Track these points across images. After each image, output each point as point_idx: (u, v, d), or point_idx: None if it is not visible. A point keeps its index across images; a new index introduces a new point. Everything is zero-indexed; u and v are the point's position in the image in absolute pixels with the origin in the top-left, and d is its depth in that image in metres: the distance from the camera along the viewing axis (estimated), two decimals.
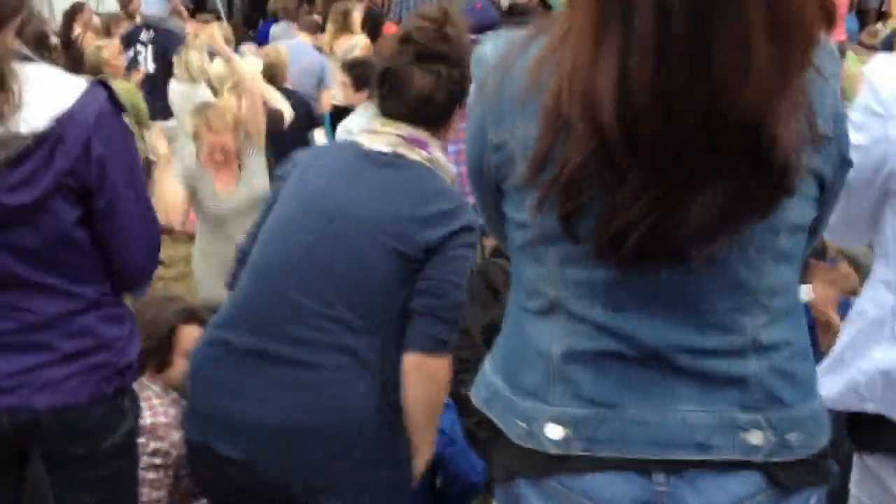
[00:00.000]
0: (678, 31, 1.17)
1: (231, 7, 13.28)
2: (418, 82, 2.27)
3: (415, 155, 2.30)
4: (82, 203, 1.94)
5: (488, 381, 1.53)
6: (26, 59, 1.92)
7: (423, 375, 2.24)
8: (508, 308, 1.56)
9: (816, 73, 1.29)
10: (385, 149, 2.30)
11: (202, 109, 4.48)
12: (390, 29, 8.58)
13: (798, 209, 1.35)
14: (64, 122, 1.85)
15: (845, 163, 1.44)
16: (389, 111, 2.34)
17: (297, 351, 2.18)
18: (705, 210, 1.23)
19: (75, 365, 2.01)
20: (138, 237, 2.07)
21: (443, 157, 2.37)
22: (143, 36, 8.10)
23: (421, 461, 2.37)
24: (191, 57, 6.40)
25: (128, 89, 6.61)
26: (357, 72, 5.46)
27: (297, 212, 2.30)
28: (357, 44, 7.83)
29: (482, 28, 4.59)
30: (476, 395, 1.55)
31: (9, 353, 1.96)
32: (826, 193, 1.42)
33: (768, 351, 1.39)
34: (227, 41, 8.46)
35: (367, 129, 2.42)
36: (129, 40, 8.08)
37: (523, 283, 1.47)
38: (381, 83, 2.34)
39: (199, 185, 4.22)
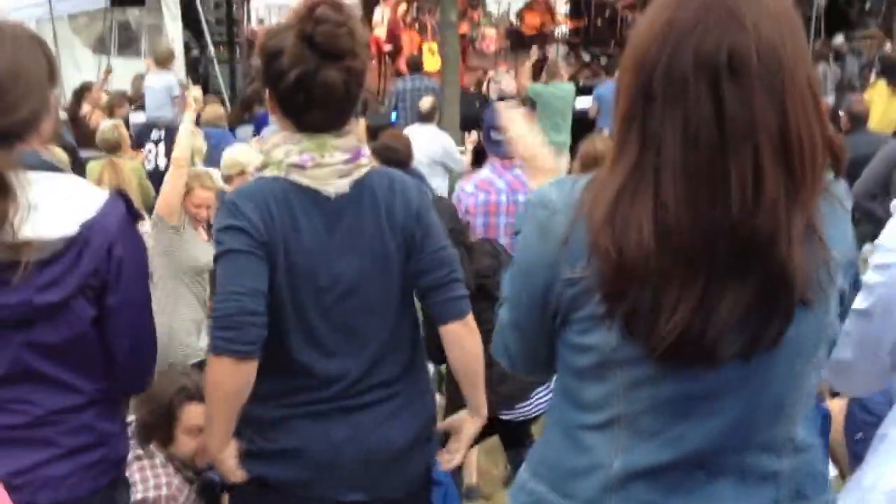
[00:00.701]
0: (701, 161, 1.35)
1: (234, 89, 13.54)
2: (336, 83, 2.21)
3: (362, 170, 2.32)
4: (98, 301, 2.03)
5: (530, 489, 1.62)
6: (53, 168, 2.04)
7: (468, 334, 2.42)
8: (553, 418, 1.66)
9: (839, 204, 1.48)
10: (342, 189, 2.28)
11: (198, 172, 5.00)
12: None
13: (832, 325, 1.50)
14: (90, 228, 1.97)
15: (857, 285, 1.61)
16: (313, 123, 2.27)
17: (379, 394, 2.37)
18: (733, 308, 1.37)
19: (76, 461, 2.06)
20: (143, 338, 2.16)
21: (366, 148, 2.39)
22: (154, 135, 8.49)
23: (481, 420, 2.56)
24: (236, 156, 6.64)
25: (136, 168, 7.19)
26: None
27: (308, 295, 2.29)
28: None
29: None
30: (516, 502, 1.65)
31: (16, 448, 2.01)
32: (843, 312, 1.56)
33: (800, 451, 1.53)
34: (219, 119, 8.97)
35: (301, 162, 2.27)
36: (140, 139, 8.51)
37: (581, 400, 1.55)
38: (293, 92, 2.22)
39: (181, 239, 4.59)
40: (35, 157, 1.99)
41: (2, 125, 1.92)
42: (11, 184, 1.89)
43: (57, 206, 1.96)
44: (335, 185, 2.28)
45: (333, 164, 2.27)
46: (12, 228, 1.88)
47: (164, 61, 10.82)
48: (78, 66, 14.22)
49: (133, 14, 14.95)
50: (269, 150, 2.31)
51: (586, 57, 18.22)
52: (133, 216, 2.09)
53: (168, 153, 7.96)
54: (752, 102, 1.33)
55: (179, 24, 14.67)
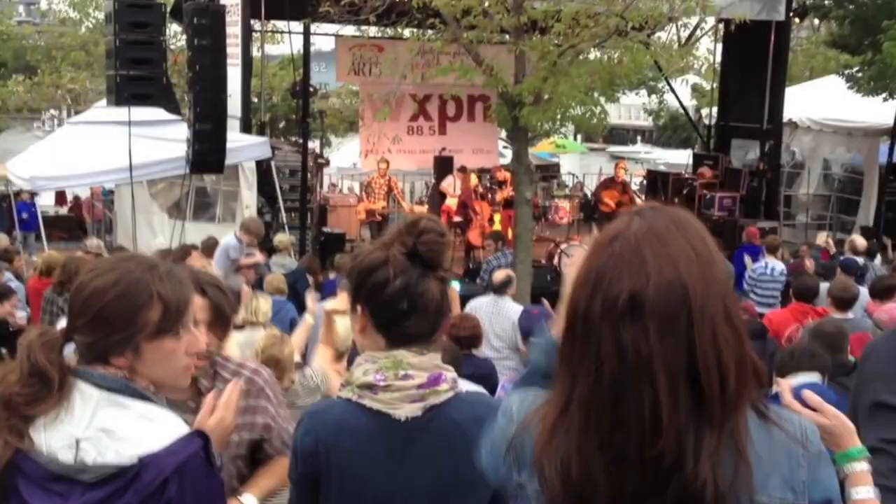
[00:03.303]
0: (605, 395, 1.54)
1: (303, 254, 13.63)
2: (435, 292, 2.25)
3: (441, 396, 2.23)
4: None
5: None
6: (139, 395, 2.05)
7: None
8: None
9: (791, 439, 1.61)
10: (413, 413, 2.21)
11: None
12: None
13: None
14: (146, 463, 1.95)
15: None
16: (408, 332, 2.24)
17: None
18: None
19: None
20: None
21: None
22: None
23: None
24: (260, 303, 6.62)
25: None
26: None
27: None
28: None
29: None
30: None
31: None
32: None
33: None
34: (281, 286, 8.93)
35: (375, 381, 2.22)
36: None
37: None
38: (396, 300, 2.22)
39: None
40: (119, 382, 2.03)
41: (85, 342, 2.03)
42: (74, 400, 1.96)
43: (128, 433, 1.98)
44: (405, 409, 2.22)
45: (406, 388, 2.22)
46: (74, 450, 1.94)
47: (246, 229, 10.75)
48: (153, 229, 14.46)
49: (210, 179, 15.23)
50: (352, 370, 2.30)
51: None
52: (209, 459, 2.06)
53: None
54: (648, 340, 1.50)
55: (255, 192, 14.90)
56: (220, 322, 2.93)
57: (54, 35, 27.45)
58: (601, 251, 1.60)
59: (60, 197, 22.19)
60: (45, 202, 19.63)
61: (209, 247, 10.53)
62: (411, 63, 13.78)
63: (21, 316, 8.06)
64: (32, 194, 16.05)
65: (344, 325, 4.10)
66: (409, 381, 2.20)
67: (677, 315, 1.50)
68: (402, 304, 2.22)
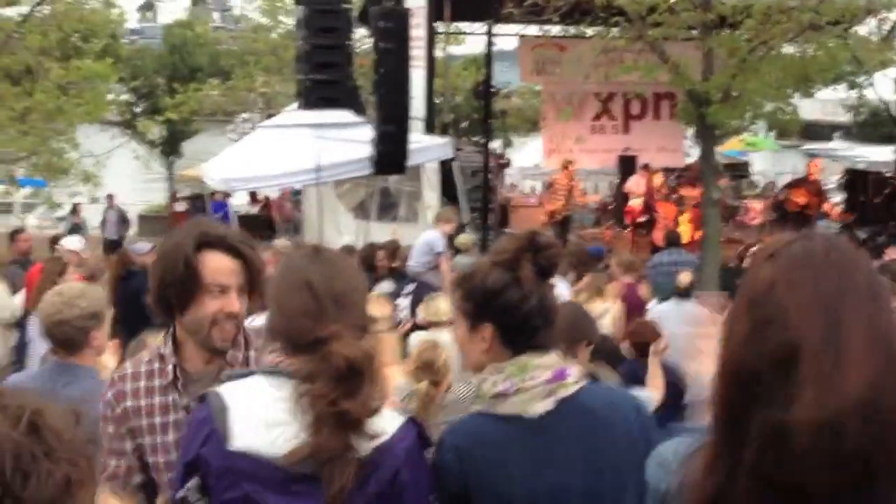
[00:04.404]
0: None
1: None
2: (555, 302, 2.33)
3: (570, 388, 2.24)
4: None
5: None
6: None
7: None
8: None
9: None
10: (547, 408, 2.22)
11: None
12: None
13: None
14: (382, 451, 2.04)
15: None
16: (541, 343, 2.27)
17: None
18: None
19: None
20: None
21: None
22: (407, 288, 8.58)
23: None
24: (440, 303, 6.57)
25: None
26: None
27: None
28: (608, 309, 7.82)
29: None
30: None
31: None
32: None
33: None
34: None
35: (504, 389, 2.23)
36: (397, 292, 8.57)
37: None
38: (532, 317, 2.26)
39: None
40: None
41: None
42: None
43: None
44: (539, 406, 2.23)
45: (535, 385, 2.23)
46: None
47: (445, 219, 10.94)
48: (339, 229, 14.82)
49: (393, 180, 15.49)
50: (480, 384, 2.31)
51: (861, 235, 17.01)
52: (424, 441, 2.17)
53: (412, 307, 7.88)
54: None
55: (437, 192, 15.05)
56: (253, 285, 2.59)
57: (247, 40, 28.63)
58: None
59: (254, 196, 23.14)
60: (238, 201, 20.51)
61: (392, 249, 10.66)
62: (594, 62, 13.57)
63: None
64: (226, 195, 16.79)
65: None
66: (536, 380, 2.23)
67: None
68: (536, 321, 2.26)
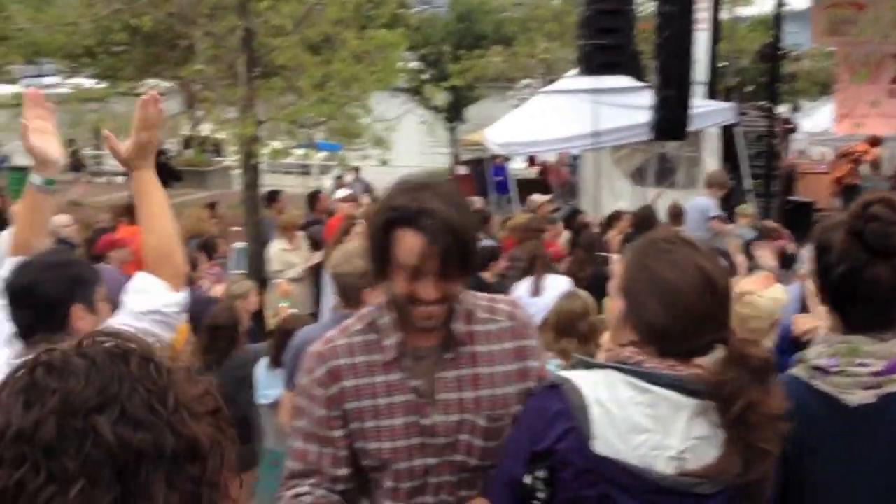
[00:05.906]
0: None
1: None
2: (883, 280, 2.10)
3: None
4: None
5: None
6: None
7: None
8: None
9: None
10: (866, 399, 2.09)
11: None
12: None
13: None
14: None
15: None
16: (857, 320, 2.15)
17: None
18: None
19: None
20: None
21: None
22: None
23: None
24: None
25: None
26: None
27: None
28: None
29: None
30: None
31: None
32: None
33: None
34: None
35: (826, 365, 2.14)
36: None
37: None
38: (840, 287, 2.15)
39: None
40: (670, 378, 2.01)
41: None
42: None
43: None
44: (858, 396, 2.11)
45: (859, 374, 2.11)
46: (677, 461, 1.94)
47: (717, 184, 10.81)
48: (615, 194, 14.85)
49: (671, 146, 15.28)
50: (809, 350, 2.24)
51: None
52: None
53: None
54: None
55: (718, 158, 14.69)
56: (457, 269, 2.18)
57: (531, 7, 28.95)
58: None
59: (532, 160, 23.50)
60: (516, 165, 20.93)
61: (676, 214, 10.59)
62: (894, 21, 12.69)
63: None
64: (506, 158, 17.22)
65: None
66: (864, 369, 2.11)
67: None
68: (845, 292, 2.15)
